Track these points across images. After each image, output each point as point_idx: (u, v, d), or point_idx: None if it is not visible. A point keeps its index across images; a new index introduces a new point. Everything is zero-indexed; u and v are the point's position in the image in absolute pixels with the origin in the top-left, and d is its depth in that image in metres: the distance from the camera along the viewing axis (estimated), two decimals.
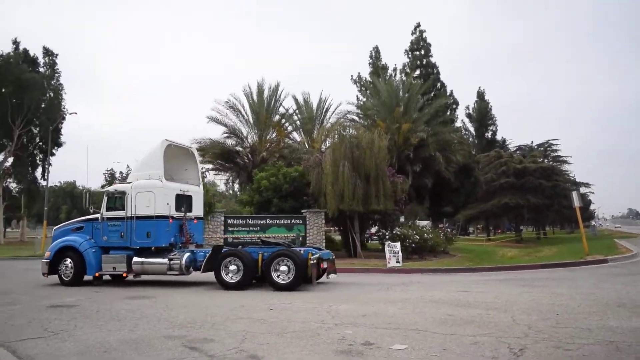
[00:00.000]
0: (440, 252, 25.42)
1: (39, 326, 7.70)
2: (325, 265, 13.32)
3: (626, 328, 6.77)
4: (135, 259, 13.37)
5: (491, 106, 66.09)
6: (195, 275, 13.72)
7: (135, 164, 15.15)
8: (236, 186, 44.51)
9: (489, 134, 65.62)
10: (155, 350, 6.06)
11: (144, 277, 15.00)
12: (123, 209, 13.71)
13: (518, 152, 61.30)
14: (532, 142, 65.43)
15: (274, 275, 12.21)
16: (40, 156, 50.45)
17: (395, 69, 48.16)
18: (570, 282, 12.87)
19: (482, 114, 64.90)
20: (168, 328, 7.43)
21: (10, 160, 47.92)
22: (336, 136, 25.25)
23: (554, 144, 64.24)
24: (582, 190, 65.50)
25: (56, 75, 50.69)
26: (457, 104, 50.81)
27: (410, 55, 48.62)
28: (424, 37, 48.35)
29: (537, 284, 12.50)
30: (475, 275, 16.21)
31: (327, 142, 29.90)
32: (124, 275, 13.66)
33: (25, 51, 49.21)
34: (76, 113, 42.03)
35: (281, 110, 34.95)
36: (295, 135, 36.13)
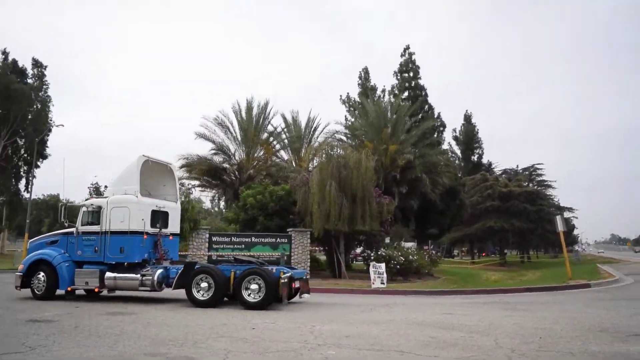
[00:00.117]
0: (425, 274, 25.42)
1: (17, 341, 7.54)
2: (297, 284, 13.31)
3: (608, 353, 6.79)
4: (108, 274, 13.35)
5: (478, 129, 66.82)
6: (178, 292, 13.58)
7: (112, 179, 15.16)
8: (222, 203, 44.34)
9: (475, 157, 66.18)
10: None
11: (125, 293, 14.84)
12: (98, 224, 13.73)
13: (503, 175, 61.89)
14: (517, 166, 66.30)
15: (245, 293, 12.19)
16: (25, 168, 49.87)
17: (384, 90, 48.62)
18: (554, 306, 12.91)
19: (469, 137, 65.53)
20: (149, 345, 7.32)
21: None
22: (324, 155, 25.28)
23: (539, 169, 65.09)
24: (566, 214, 66.13)
25: (44, 87, 50.38)
26: (444, 126, 51.28)
27: (399, 77, 49.09)
28: (412, 59, 48.89)
29: (521, 307, 12.53)
30: (459, 298, 16.23)
31: (315, 161, 29.98)
32: (96, 290, 13.60)
33: (14, 62, 48.90)
34: (63, 125, 41.88)
35: (269, 128, 35.02)
36: (282, 153, 36.22)
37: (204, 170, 31.61)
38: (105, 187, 30.68)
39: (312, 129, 35.63)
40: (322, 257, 28.78)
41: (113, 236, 13.49)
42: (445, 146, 54.32)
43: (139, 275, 13.17)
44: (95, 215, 13.85)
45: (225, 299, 12.83)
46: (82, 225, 13.99)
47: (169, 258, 14.58)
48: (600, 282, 20.27)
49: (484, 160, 66.56)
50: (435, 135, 45.59)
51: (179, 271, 13.06)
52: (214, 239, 23.21)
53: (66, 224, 14.33)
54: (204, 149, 33.29)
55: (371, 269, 19.02)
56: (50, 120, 48.81)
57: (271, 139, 35.07)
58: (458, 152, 65.89)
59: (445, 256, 60.96)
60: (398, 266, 22.19)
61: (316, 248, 28.45)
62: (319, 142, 33.48)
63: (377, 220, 23.17)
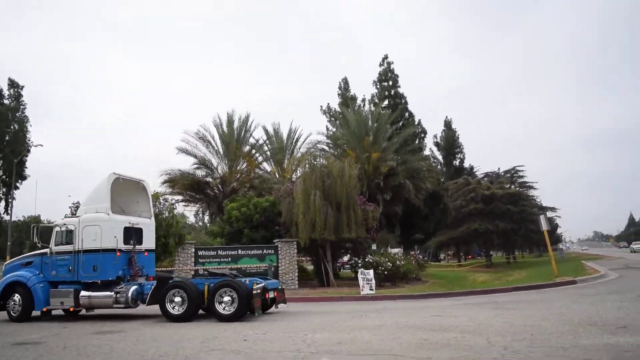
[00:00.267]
0: (413, 279, 25.47)
1: None
2: (271, 295, 13.31)
3: (598, 345, 6.87)
4: (82, 293, 13.31)
5: (458, 134, 67.52)
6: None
7: (84, 198, 15.06)
8: (206, 217, 44.09)
9: (456, 162, 66.76)
10: None
11: (112, 311, 14.69)
12: (72, 243, 13.69)
13: (485, 178, 62.37)
14: (498, 169, 66.81)
15: (218, 306, 12.21)
16: (4, 190, 49.15)
17: (364, 100, 49.05)
18: (542, 303, 13.02)
19: (450, 142, 66.13)
20: None
21: None
22: (307, 166, 25.29)
23: (520, 170, 65.69)
24: (549, 214, 66.78)
25: (21, 107, 49.86)
26: (425, 132, 51.76)
27: (378, 86, 49.48)
28: (391, 68, 49.34)
29: (510, 306, 12.61)
30: (448, 300, 16.27)
31: (298, 171, 29.97)
32: (71, 309, 13.55)
33: None
34: (42, 145, 41.06)
35: (251, 140, 35.08)
36: (265, 165, 36.25)
37: (187, 185, 31.43)
38: None
39: (294, 140, 35.77)
40: (310, 267, 28.72)
41: (86, 255, 13.45)
42: (427, 152, 54.85)
43: (112, 293, 13.14)
44: (69, 234, 13.84)
45: (203, 312, 12.82)
46: (55, 245, 13.97)
47: (145, 274, 14.54)
48: (586, 278, 20.49)
49: (466, 165, 67.23)
50: (416, 142, 46.02)
51: (153, 287, 13.05)
52: (200, 253, 23.04)
53: (39, 245, 14.28)
54: (187, 164, 33.15)
55: (359, 276, 18.99)
56: (29, 140, 48.31)
57: (253, 151, 35.09)
58: (440, 157, 66.46)
59: (432, 260, 61.23)
60: (386, 272, 22.21)
61: (303, 258, 28.37)
62: (301, 152, 33.60)
63: (362, 228, 23.21)
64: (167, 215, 22.96)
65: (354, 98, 48.84)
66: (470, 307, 13.29)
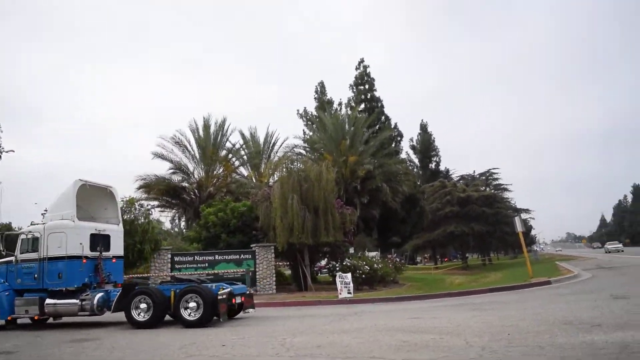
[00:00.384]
0: (390, 282, 25.56)
1: None
2: (239, 300, 13.27)
3: (574, 343, 6.95)
4: (48, 300, 13.14)
5: (434, 138, 68.05)
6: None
7: (50, 205, 14.86)
8: (182, 223, 43.61)
9: (432, 165, 67.28)
10: None
11: (86, 319, 14.46)
12: (37, 251, 13.49)
13: (461, 181, 63.05)
14: (474, 172, 67.70)
15: (184, 312, 12.15)
16: None
17: (340, 103, 49.00)
18: (518, 304, 13.17)
19: (426, 146, 66.64)
20: None
21: None
22: (284, 170, 25.23)
23: (494, 173, 66.61)
24: (523, 216, 67.73)
25: None
26: (401, 136, 51.99)
27: (355, 90, 49.53)
28: (367, 72, 49.44)
29: (486, 307, 12.73)
30: (426, 303, 16.36)
31: (275, 176, 29.89)
32: (36, 318, 13.39)
33: None
34: (13, 151, 40.16)
35: (228, 145, 34.91)
36: (242, 170, 36.10)
37: (163, 190, 31.10)
38: None
39: (271, 144, 35.73)
40: (287, 272, 28.62)
41: (51, 262, 13.27)
42: (403, 155, 55.04)
43: (78, 300, 13.00)
44: (34, 242, 13.64)
45: (171, 318, 12.74)
46: (21, 253, 13.77)
47: (113, 281, 14.39)
48: (560, 278, 20.81)
49: (442, 168, 67.76)
50: (393, 145, 46.15)
51: (118, 293, 12.95)
52: (176, 259, 22.79)
53: (4, 253, 14.10)
54: (162, 169, 32.78)
55: (337, 279, 18.99)
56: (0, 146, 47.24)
57: (230, 155, 34.90)
58: (416, 160, 66.88)
59: (409, 263, 61.56)
60: (363, 275, 22.25)
61: (281, 262, 28.27)
62: (278, 156, 33.50)
63: (340, 231, 23.23)
64: (142, 221, 22.65)
65: (330, 102, 48.85)
66: (448, 308, 13.38)
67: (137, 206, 23.24)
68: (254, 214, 24.71)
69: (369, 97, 48.51)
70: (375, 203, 32.81)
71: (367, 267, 22.62)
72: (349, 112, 41.71)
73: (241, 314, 13.70)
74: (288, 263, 27.37)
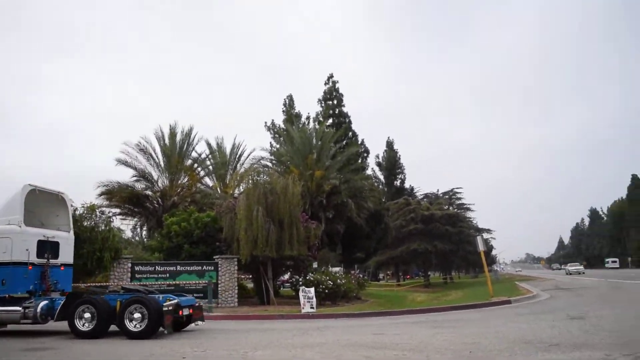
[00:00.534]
0: (353, 298, 25.52)
1: None
2: (186, 312, 13.07)
3: None
4: None
5: (400, 155, 68.59)
6: None
7: None
8: (144, 232, 42.75)
9: (397, 182, 67.76)
10: None
11: (40, 327, 13.94)
12: None
13: (425, 199, 63.69)
14: (437, 190, 68.43)
15: (128, 323, 11.89)
16: None
17: (308, 117, 49.13)
18: (479, 322, 13.33)
19: (392, 163, 67.17)
20: None
21: None
22: (250, 181, 25.04)
23: (458, 192, 67.60)
24: (485, 236, 68.88)
25: None
26: (368, 152, 52.26)
27: (323, 105, 49.77)
28: (336, 87, 49.79)
29: (448, 324, 12.83)
30: (388, 319, 16.40)
31: (241, 187, 29.62)
32: None
33: None
34: None
35: (194, 154, 34.48)
36: (207, 180, 35.67)
37: (125, 198, 30.46)
38: None
39: (238, 155, 35.45)
40: (250, 285, 28.31)
41: None
42: (369, 172, 55.24)
43: (20, 308, 12.59)
44: None
45: (116, 328, 12.38)
46: None
47: (60, 289, 13.98)
48: (520, 298, 21.19)
49: (407, 185, 68.33)
50: (359, 161, 46.43)
51: (62, 302, 12.63)
52: (136, 268, 22.28)
53: None
54: (125, 176, 32.05)
55: (300, 294, 18.89)
56: None
57: (195, 165, 34.51)
58: (381, 177, 67.25)
59: (372, 279, 61.73)
60: (327, 290, 22.17)
61: (243, 275, 27.96)
62: (244, 168, 33.24)
63: (304, 245, 23.12)
64: (103, 228, 22.08)
65: (298, 115, 48.96)
66: (410, 325, 13.43)
67: (98, 213, 22.66)
68: (218, 225, 24.41)
69: (337, 112, 48.79)
70: (340, 218, 32.88)
71: (330, 282, 22.56)
72: (317, 126, 41.82)
73: (192, 326, 13.49)
74: (251, 276, 27.09)
